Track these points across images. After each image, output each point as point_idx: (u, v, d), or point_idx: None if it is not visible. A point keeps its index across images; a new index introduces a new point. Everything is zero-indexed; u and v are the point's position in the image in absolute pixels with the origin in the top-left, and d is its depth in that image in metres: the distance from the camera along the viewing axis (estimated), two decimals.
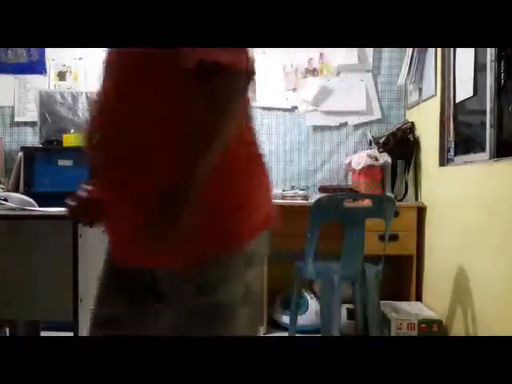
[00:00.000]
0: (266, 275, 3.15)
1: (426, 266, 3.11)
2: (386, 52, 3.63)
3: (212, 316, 1.00)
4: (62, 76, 3.66)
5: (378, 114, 3.64)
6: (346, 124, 3.67)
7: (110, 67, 1.07)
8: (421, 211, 3.14)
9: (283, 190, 3.31)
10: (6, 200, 2.13)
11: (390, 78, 3.62)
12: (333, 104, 3.64)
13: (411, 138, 3.32)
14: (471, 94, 2.57)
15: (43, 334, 2.36)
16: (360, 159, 3.28)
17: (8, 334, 2.26)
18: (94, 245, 2.05)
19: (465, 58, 2.65)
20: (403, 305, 2.99)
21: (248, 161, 1.06)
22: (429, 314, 2.84)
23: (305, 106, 3.65)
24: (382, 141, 3.35)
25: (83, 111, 3.40)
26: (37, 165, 3.07)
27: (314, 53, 3.65)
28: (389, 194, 3.24)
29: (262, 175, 1.10)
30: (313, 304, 3.17)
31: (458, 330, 2.58)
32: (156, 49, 0.97)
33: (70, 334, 1.86)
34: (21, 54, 3.65)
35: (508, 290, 2.04)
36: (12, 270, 1.89)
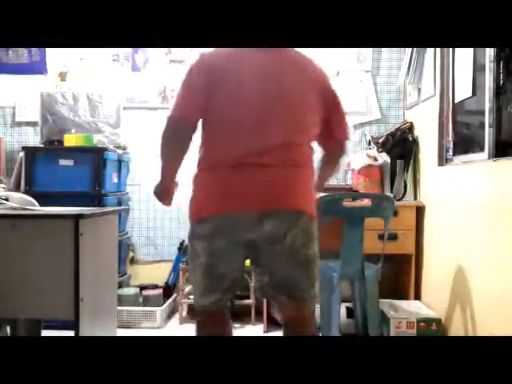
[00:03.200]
0: None
1: (424, 265, 3.11)
2: (385, 52, 3.63)
3: None
4: (62, 76, 3.66)
5: (377, 114, 3.65)
6: None
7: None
8: (420, 210, 3.15)
9: None
10: (7, 199, 2.14)
11: (389, 79, 3.63)
12: None
13: (410, 138, 3.32)
14: (470, 94, 2.58)
15: (44, 333, 2.37)
16: (359, 159, 3.29)
17: (9, 334, 2.27)
18: (95, 244, 2.06)
19: (464, 58, 2.66)
20: (402, 303, 3.00)
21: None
22: (428, 312, 2.85)
23: None
24: (381, 141, 3.36)
25: (84, 111, 3.40)
26: (38, 164, 3.08)
27: (313, 53, 3.65)
28: (388, 193, 3.25)
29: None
30: None
31: (456, 328, 2.59)
32: None
33: (71, 332, 1.88)
34: (22, 55, 3.66)
35: (507, 289, 2.05)
36: (13, 268, 1.90)
